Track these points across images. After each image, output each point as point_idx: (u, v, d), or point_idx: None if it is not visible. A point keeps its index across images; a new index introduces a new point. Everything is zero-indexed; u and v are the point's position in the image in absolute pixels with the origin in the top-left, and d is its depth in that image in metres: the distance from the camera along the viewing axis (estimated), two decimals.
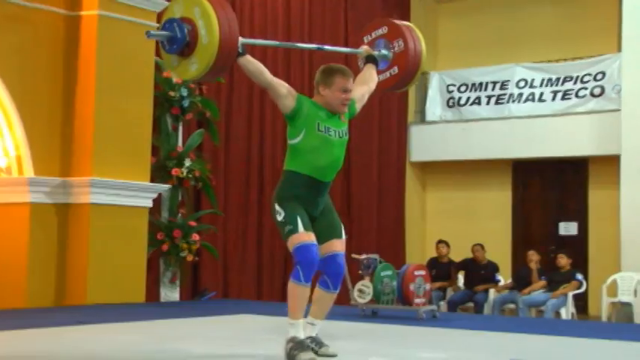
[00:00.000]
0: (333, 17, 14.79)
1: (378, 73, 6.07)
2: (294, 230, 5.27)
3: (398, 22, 6.32)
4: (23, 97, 9.80)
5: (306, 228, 5.28)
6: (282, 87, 5.38)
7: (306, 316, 5.39)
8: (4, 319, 8.11)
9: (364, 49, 6.12)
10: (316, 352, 5.37)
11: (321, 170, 5.40)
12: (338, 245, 5.49)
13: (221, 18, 5.20)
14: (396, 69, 6.11)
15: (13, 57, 9.72)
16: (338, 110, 5.47)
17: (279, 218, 5.33)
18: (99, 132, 10.09)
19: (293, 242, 5.26)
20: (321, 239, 5.41)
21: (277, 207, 5.35)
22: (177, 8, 5.46)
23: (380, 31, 6.19)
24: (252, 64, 5.34)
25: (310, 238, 5.28)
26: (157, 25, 10.74)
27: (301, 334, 5.30)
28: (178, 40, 5.31)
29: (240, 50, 5.31)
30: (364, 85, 5.81)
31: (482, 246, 13.56)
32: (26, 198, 9.79)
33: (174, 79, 11.21)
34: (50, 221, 9.96)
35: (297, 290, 5.23)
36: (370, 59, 6.03)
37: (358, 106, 5.70)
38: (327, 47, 6.26)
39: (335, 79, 5.44)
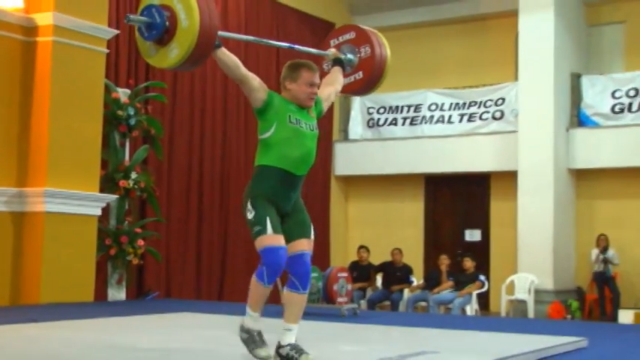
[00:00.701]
0: (266, 47, 14.75)
1: (344, 76, 5.72)
2: (263, 232, 4.80)
3: (365, 28, 5.97)
4: None
5: (275, 230, 4.82)
6: (255, 80, 4.96)
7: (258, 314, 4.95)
8: None
9: (332, 52, 5.78)
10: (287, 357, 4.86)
11: (294, 163, 4.96)
12: (305, 244, 5.00)
13: (200, 1, 4.77)
14: (361, 74, 5.77)
15: None
16: (305, 104, 5.08)
17: (250, 216, 4.87)
18: (53, 147, 9.97)
19: (261, 244, 4.80)
20: (290, 237, 4.94)
21: (249, 205, 4.89)
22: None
23: (347, 36, 5.83)
24: (228, 56, 4.88)
25: (278, 241, 4.82)
26: (106, 50, 10.78)
27: (255, 327, 4.89)
28: (157, 25, 4.82)
29: (216, 42, 4.87)
30: (331, 86, 5.48)
31: (400, 250, 13.64)
32: None
33: (122, 100, 11.22)
34: (7, 228, 9.82)
35: (259, 289, 4.84)
36: (337, 62, 5.68)
37: (325, 106, 5.32)
38: (297, 47, 5.89)
39: (301, 74, 5.05)
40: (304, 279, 4.95)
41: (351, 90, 5.93)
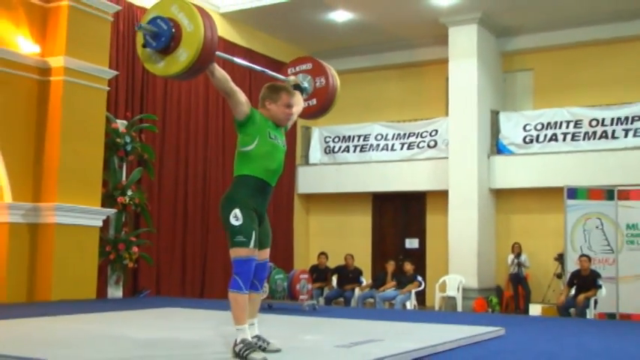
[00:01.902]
0: (241, 83, 14.80)
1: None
2: (247, 244, 4.47)
3: (321, 61, 5.66)
4: (5, 141, 9.67)
5: (255, 245, 4.52)
6: (242, 95, 4.63)
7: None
8: None
9: (293, 79, 5.39)
10: (264, 349, 4.63)
11: (271, 174, 4.69)
12: (267, 254, 4.80)
13: (199, 8, 4.46)
14: (314, 101, 5.47)
15: None
16: (282, 123, 4.83)
17: (235, 223, 4.48)
18: (62, 168, 9.98)
19: (240, 254, 4.48)
20: (260, 246, 4.65)
21: (236, 212, 4.49)
22: (154, 13, 4.56)
23: (304, 67, 5.48)
24: (220, 70, 4.56)
25: (255, 253, 4.54)
26: (107, 88, 10.78)
27: (249, 336, 4.51)
28: (165, 32, 4.40)
29: None
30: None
31: (352, 256, 13.58)
32: (6, 219, 9.64)
33: (120, 129, 11.21)
34: (24, 237, 9.79)
35: (240, 298, 4.46)
36: (297, 88, 5.32)
37: (289, 125, 5.01)
38: (267, 71, 5.44)
39: (281, 96, 4.80)
40: (263, 281, 4.82)
41: (305, 114, 5.57)
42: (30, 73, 10.02)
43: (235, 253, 4.50)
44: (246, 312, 4.52)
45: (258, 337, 4.70)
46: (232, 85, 4.61)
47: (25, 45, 10.06)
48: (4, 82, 9.68)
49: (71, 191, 10.06)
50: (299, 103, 5.26)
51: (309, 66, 5.51)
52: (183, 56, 4.41)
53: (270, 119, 4.78)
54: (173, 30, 4.42)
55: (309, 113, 5.61)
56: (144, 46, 4.51)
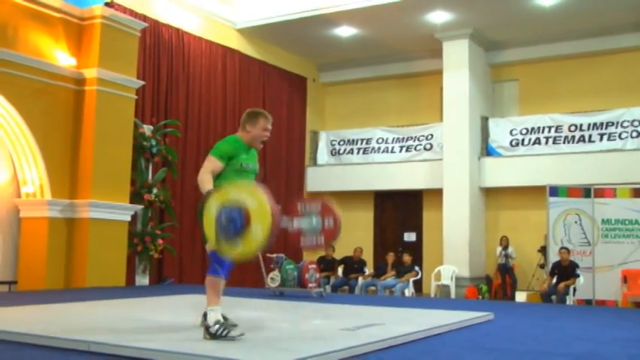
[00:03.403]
0: (255, 93, 14.85)
1: (305, 236, 5.19)
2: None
3: (330, 204, 5.39)
4: (45, 143, 9.73)
5: None
6: (218, 167, 4.62)
7: None
8: (30, 297, 7.97)
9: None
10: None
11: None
12: None
13: (253, 185, 4.45)
14: (321, 239, 5.25)
15: (39, 117, 9.67)
16: (257, 145, 4.89)
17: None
18: (96, 169, 10.03)
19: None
20: None
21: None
22: (216, 205, 4.32)
23: (314, 207, 5.29)
24: (210, 180, 4.57)
25: None
26: (135, 96, 10.79)
27: (220, 316, 4.50)
28: (237, 216, 4.23)
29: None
30: None
31: (361, 249, 13.62)
32: (46, 214, 9.71)
33: (147, 134, 11.21)
34: (62, 230, 9.86)
35: (218, 282, 4.53)
36: None
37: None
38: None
39: (259, 120, 4.83)
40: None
41: (309, 249, 5.39)
42: (67, 83, 10.07)
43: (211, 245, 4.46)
44: (220, 295, 4.53)
45: (225, 318, 4.64)
46: (214, 172, 4.63)
47: (63, 58, 10.12)
48: (44, 91, 9.74)
49: (103, 189, 10.10)
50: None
51: (318, 207, 5.35)
52: (258, 229, 4.26)
53: (248, 142, 4.82)
54: (244, 211, 4.26)
55: (314, 248, 5.44)
56: (219, 237, 4.29)
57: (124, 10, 11.47)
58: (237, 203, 4.29)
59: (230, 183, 4.62)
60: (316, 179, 16.29)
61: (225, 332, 4.36)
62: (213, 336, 4.38)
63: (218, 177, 4.69)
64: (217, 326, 4.39)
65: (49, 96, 9.81)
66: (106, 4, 10.78)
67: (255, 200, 4.29)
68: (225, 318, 4.58)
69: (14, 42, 9.43)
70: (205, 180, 4.56)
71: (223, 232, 4.28)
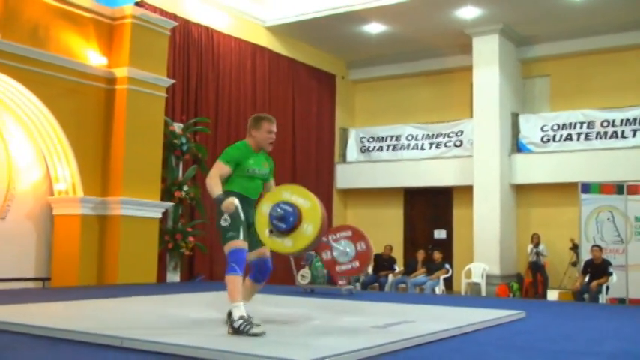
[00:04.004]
0: (284, 90, 14.89)
1: (342, 264, 5.30)
2: (236, 237, 4.66)
3: (358, 228, 5.55)
4: (77, 142, 9.83)
5: (244, 237, 4.71)
6: (225, 172, 4.83)
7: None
8: (63, 293, 8.06)
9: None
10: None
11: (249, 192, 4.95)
12: (267, 252, 4.94)
13: (304, 188, 4.68)
14: (357, 263, 5.35)
15: (71, 116, 9.77)
16: (266, 148, 5.02)
17: (224, 224, 4.68)
18: (127, 167, 10.11)
19: (232, 246, 4.65)
20: (254, 245, 4.85)
21: (226, 216, 4.65)
22: (271, 203, 4.64)
23: (344, 233, 5.39)
24: (219, 185, 4.75)
25: (244, 245, 4.70)
26: (165, 95, 10.86)
27: (244, 312, 4.58)
28: (290, 213, 4.52)
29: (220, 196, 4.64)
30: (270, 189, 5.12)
31: (391, 247, 13.64)
32: (78, 211, 9.82)
33: (177, 131, 11.28)
34: (94, 227, 9.96)
35: (236, 280, 4.59)
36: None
37: (272, 178, 5.20)
38: None
39: (263, 124, 5.00)
40: (266, 276, 5.02)
41: (349, 274, 5.51)
42: (98, 82, 10.16)
43: (228, 245, 4.67)
44: (240, 292, 4.64)
45: (248, 316, 4.72)
46: (222, 176, 4.83)
47: (94, 57, 10.21)
48: (76, 90, 9.85)
49: (134, 187, 10.18)
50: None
51: (348, 233, 5.47)
52: (309, 229, 4.55)
53: (254, 147, 4.99)
54: (296, 210, 4.55)
55: (353, 273, 5.56)
56: (271, 232, 4.60)
57: (154, 9, 11.55)
58: (290, 202, 4.55)
59: (238, 188, 4.86)
60: (346, 176, 16.28)
61: (247, 328, 4.46)
62: (236, 331, 4.48)
63: (227, 182, 4.88)
64: (240, 322, 4.49)
65: (80, 95, 9.91)
66: (137, 4, 10.88)
67: (308, 201, 4.56)
68: (248, 316, 4.63)
69: (46, 42, 9.54)
70: (214, 184, 4.74)
71: (276, 228, 4.53)
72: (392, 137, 15.94)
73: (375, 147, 16.14)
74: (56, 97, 9.58)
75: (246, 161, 4.93)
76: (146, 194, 10.36)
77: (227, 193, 4.77)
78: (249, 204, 4.93)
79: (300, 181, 14.91)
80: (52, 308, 6.28)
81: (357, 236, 5.50)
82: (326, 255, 5.29)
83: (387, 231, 15.79)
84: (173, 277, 11.19)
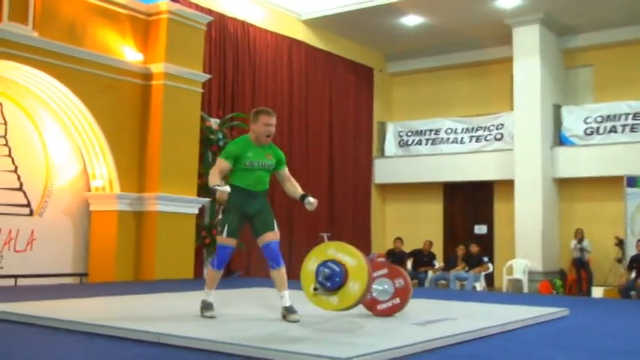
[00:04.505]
0: (321, 84, 14.84)
1: (382, 302, 5.51)
2: (220, 233, 5.23)
3: (394, 265, 5.76)
4: (114, 139, 9.93)
5: (228, 234, 5.17)
6: (224, 167, 5.18)
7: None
8: (100, 289, 8.14)
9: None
10: (284, 317, 5.09)
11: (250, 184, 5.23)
12: (271, 236, 5.19)
13: (348, 245, 4.82)
14: (397, 300, 5.51)
15: (107, 112, 9.86)
16: (264, 141, 5.22)
17: (219, 218, 5.36)
18: (163, 162, 10.18)
19: (218, 241, 5.28)
20: (258, 233, 5.21)
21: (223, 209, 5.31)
22: (316, 260, 4.82)
23: (381, 272, 5.53)
24: (218, 179, 5.10)
25: (228, 241, 5.18)
26: (202, 90, 10.92)
27: (210, 299, 5.28)
28: (338, 272, 4.66)
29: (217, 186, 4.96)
30: (287, 181, 5.44)
31: (431, 242, 13.72)
32: (115, 207, 9.90)
33: (214, 127, 11.33)
34: (130, 223, 10.04)
35: (212, 273, 5.31)
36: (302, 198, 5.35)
37: (284, 168, 5.41)
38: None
39: (260, 117, 5.22)
40: (275, 259, 5.18)
41: (390, 312, 5.55)
42: (134, 78, 10.25)
43: (217, 240, 5.32)
44: (214, 283, 5.32)
45: (286, 308, 5.12)
46: (222, 171, 5.22)
47: (130, 53, 10.30)
48: (112, 86, 9.95)
49: (171, 182, 10.24)
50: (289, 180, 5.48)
51: (384, 271, 5.60)
52: (356, 287, 4.67)
53: (254, 140, 5.25)
54: (343, 268, 4.67)
55: (394, 311, 5.61)
56: (315, 289, 4.75)
57: (190, 4, 11.61)
58: (337, 260, 4.68)
59: (237, 181, 5.18)
60: (384, 171, 16.25)
61: (202, 311, 5.25)
62: (200, 309, 5.29)
63: (231, 176, 5.26)
64: (201, 305, 5.31)
65: (116, 91, 10.01)
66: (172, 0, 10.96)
67: (354, 258, 4.67)
68: (286, 308, 5.10)
69: (82, 39, 9.65)
70: (210, 177, 5.16)
71: (322, 287, 4.68)
72: (431, 131, 15.89)
73: (413, 141, 16.08)
74: (93, 93, 9.69)
75: (245, 154, 5.19)
76: (183, 190, 10.42)
77: (231, 187, 5.09)
78: (252, 196, 5.21)
79: (337, 176, 14.92)
80: (89, 304, 6.35)
81: (393, 273, 5.59)
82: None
83: (426, 226, 15.78)
84: None
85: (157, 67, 10.29)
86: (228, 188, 4.97)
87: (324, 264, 4.68)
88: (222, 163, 5.20)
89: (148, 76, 10.37)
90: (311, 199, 5.32)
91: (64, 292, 7.67)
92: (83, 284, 9.70)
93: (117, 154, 9.96)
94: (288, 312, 5.11)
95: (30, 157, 9.59)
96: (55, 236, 9.74)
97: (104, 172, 10.05)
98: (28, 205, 9.52)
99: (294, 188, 5.44)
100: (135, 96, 10.26)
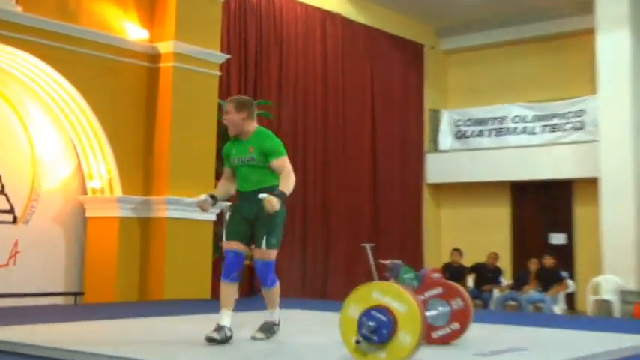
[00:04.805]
0: (361, 65, 14.77)
1: (437, 328, 5.53)
2: (222, 237, 5.72)
3: (450, 283, 5.78)
4: (114, 131, 9.97)
5: (227, 237, 5.63)
6: (226, 173, 5.87)
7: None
8: (98, 311, 8.22)
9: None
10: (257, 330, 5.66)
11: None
12: (257, 253, 5.59)
13: (397, 285, 4.76)
14: (456, 325, 5.52)
15: (106, 100, 9.91)
16: (231, 132, 5.78)
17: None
18: (174, 160, 10.20)
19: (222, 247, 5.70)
20: (254, 244, 5.64)
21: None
22: (358, 307, 4.64)
23: (435, 291, 5.57)
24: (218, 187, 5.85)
25: (229, 245, 5.59)
26: (219, 73, 10.92)
27: (224, 321, 5.37)
28: (385, 323, 4.48)
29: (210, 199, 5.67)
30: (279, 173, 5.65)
31: (496, 254, 13.59)
32: (116, 213, 9.94)
33: None
34: (135, 232, 10.08)
35: (222, 286, 5.56)
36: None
37: (272, 160, 5.61)
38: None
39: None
40: (261, 279, 5.66)
41: (448, 340, 5.57)
42: (138, 60, 10.30)
43: None
44: (226, 299, 5.47)
45: (266, 322, 5.76)
46: (225, 177, 5.89)
47: (133, 31, 10.35)
48: (112, 70, 10.00)
49: (183, 183, 10.23)
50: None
51: (439, 290, 5.60)
52: (407, 339, 4.48)
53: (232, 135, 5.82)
54: (391, 317, 4.49)
55: (453, 338, 5.59)
56: (358, 342, 4.56)
57: None
58: (384, 307, 4.51)
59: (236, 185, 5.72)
60: (438, 168, 16.18)
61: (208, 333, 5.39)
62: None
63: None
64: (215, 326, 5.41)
65: (117, 75, 10.04)
66: None
67: (404, 304, 4.48)
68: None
69: (77, 15, 9.74)
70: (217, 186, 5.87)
71: (366, 340, 4.50)
72: (494, 119, 15.79)
73: (473, 132, 16.00)
74: (89, 78, 9.73)
75: (231, 153, 5.73)
76: (197, 192, 10.19)
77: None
78: (244, 198, 5.63)
79: (381, 175, 14.80)
80: (84, 328, 6.39)
81: (451, 292, 5.58)
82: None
83: (490, 235, 15.60)
84: None
85: (166, 47, 10.33)
86: (203, 197, 5.66)
87: (368, 313, 4.52)
88: (224, 171, 5.84)
89: (154, 57, 10.40)
90: (265, 196, 5.43)
91: (54, 314, 7.75)
92: (78, 305, 9.76)
93: (118, 150, 9.99)
94: (263, 327, 5.67)
95: (13, 155, 9.69)
96: (44, 248, 9.81)
97: (103, 171, 10.08)
98: (12, 210, 9.61)
99: (281, 184, 5.59)
100: (139, 81, 10.29)
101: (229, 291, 5.50)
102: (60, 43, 9.37)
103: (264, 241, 5.55)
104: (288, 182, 5.57)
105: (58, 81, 9.59)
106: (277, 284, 5.73)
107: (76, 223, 10.13)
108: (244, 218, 5.57)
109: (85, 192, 10.20)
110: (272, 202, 5.37)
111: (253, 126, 5.79)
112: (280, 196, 5.44)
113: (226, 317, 5.40)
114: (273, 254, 5.63)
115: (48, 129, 9.97)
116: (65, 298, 9.90)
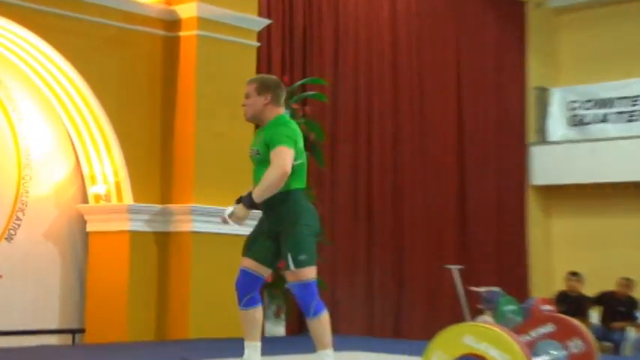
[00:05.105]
0: (443, 30, 14.80)
1: None
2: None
3: (565, 318, 5.92)
4: (121, 119, 9.98)
5: (244, 253, 5.88)
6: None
7: None
8: (102, 354, 8.26)
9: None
10: None
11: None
12: (289, 276, 5.80)
13: (498, 327, 4.87)
14: None
15: (111, 79, 9.93)
16: (246, 118, 6.01)
17: None
18: (200, 156, 10.19)
19: None
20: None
21: None
22: (440, 355, 4.81)
23: (543, 330, 5.75)
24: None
25: (241, 263, 5.86)
26: (257, 43, 10.93)
27: (253, 357, 5.72)
28: None
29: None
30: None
31: (631, 280, 13.29)
32: (125, 226, 9.93)
33: None
34: (150, 250, 10.08)
35: (240, 315, 5.89)
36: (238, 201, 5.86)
37: (270, 151, 5.66)
38: None
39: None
40: (303, 307, 5.84)
41: None
42: (153, 27, 10.33)
43: None
44: (250, 330, 5.81)
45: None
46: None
47: None
48: (120, 41, 10.05)
49: (212, 187, 10.21)
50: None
51: (551, 328, 5.70)
52: None
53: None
54: None
55: None
56: None
57: None
58: (479, 355, 4.59)
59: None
60: (547, 165, 16.16)
61: None
62: None
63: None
64: None
65: (126, 48, 10.09)
66: None
67: (507, 354, 4.53)
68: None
69: None
70: None
71: None
72: (624, 100, 15.77)
73: (595, 116, 16.01)
74: (89, 52, 9.78)
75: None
76: (231, 199, 10.17)
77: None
78: (262, 205, 5.69)
79: (472, 172, 14.73)
80: None
81: (567, 331, 5.65)
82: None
83: (620, 254, 15.44)
84: (276, 328, 11.32)
85: (187, 10, 10.35)
86: (229, 210, 5.73)
87: None
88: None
89: (173, 23, 10.43)
90: (232, 210, 5.72)
91: (46, 359, 7.69)
92: (77, 346, 9.81)
93: (127, 145, 10.04)
94: None
95: None
96: (33, 272, 9.86)
97: (108, 172, 10.13)
98: None
99: (258, 185, 5.71)
100: (154, 55, 10.33)
101: (246, 320, 5.78)
102: (52, 7, 9.41)
103: (290, 261, 5.66)
104: (264, 182, 5.59)
105: (50, 57, 9.65)
106: (325, 313, 5.79)
107: (73, 239, 10.18)
108: (265, 231, 5.81)
109: (85, 199, 10.24)
110: (235, 214, 5.69)
111: (276, 112, 5.85)
112: (246, 202, 5.57)
113: (249, 351, 5.72)
114: (309, 273, 5.69)
115: (36, 118, 10.03)
116: (61, 337, 9.95)
